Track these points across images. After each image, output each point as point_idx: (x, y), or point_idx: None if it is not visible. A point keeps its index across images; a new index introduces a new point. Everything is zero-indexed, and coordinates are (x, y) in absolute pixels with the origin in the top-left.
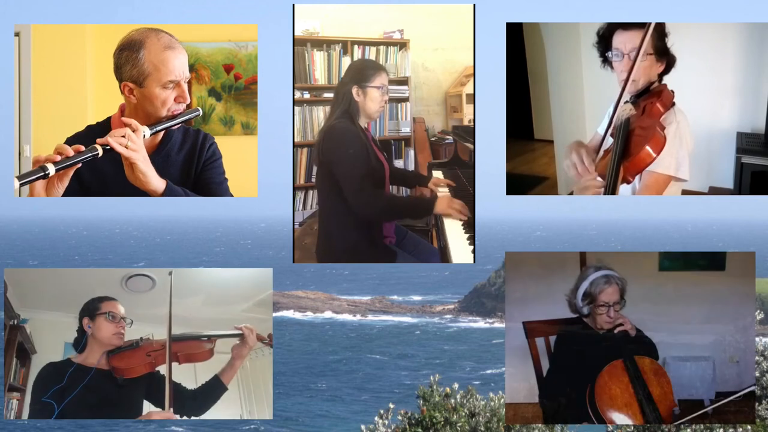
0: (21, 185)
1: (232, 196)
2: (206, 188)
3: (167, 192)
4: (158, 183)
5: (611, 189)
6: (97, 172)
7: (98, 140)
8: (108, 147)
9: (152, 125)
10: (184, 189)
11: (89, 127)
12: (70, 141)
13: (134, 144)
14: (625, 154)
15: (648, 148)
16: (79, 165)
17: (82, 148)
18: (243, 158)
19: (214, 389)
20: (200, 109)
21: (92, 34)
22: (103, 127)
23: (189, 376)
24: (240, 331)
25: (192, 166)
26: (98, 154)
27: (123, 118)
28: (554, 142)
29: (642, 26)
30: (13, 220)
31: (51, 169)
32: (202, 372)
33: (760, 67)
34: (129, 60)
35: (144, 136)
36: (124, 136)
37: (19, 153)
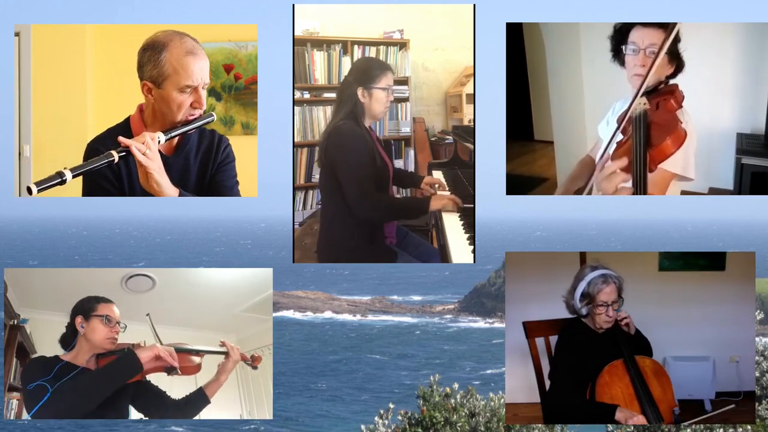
0: (39, 191)
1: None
2: (217, 191)
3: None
4: (171, 192)
5: (642, 179)
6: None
7: (121, 139)
8: (123, 153)
9: (167, 131)
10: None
11: (110, 129)
12: (93, 144)
13: (151, 152)
14: (647, 143)
15: (669, 141)
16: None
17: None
18: (243, 158)
19: (197, 401)
20: (214, 114)
21: (92, 34)
22: (123, 128)
23: (182, 385)
24: (224, 349)
25: (208, 168)
26: (114, 160)
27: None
28: (554, 143)
29: (661, 26)
30: (13, 220)
31: (68, 176)
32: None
33: (760, 68)
34: (151, 60)
35: (159, 141)
36: (143, 143)
37: (19, 153)
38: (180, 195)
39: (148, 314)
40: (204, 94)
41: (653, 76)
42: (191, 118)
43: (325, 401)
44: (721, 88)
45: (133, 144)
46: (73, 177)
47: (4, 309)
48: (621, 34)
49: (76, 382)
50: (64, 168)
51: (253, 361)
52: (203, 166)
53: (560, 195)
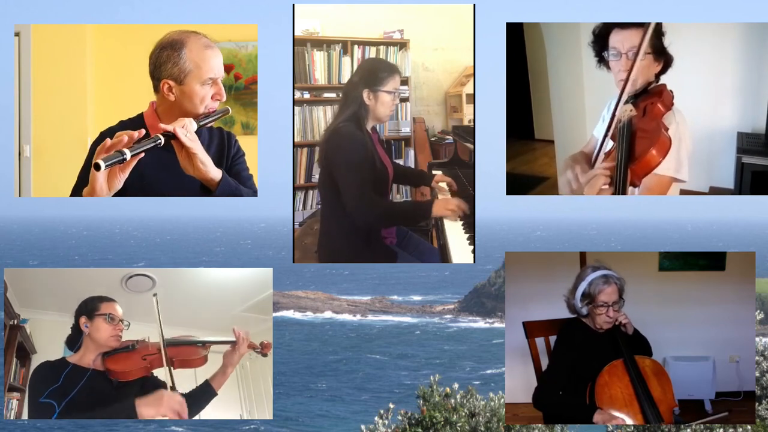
0: (106, 167)
1: (255, 191)
2: (237, 181)
3: (222, 181)
4: (216, 173)
5: (620, 192)
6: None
7: (162, 126)
8: (168, 136)
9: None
10: (235, 180)
11: (122, 122)
12: (106, 133)
13: (191, 135)
14: (630, 157)
15: (654, 151)
16: (143, 154)
17: (137, 134)
18: None
19: (204, 394)
20: (229, 108)
21: (92, 34)
22: (136, 122)
23: (182, 378)
24: (233, 338)
25: (222, 162)
26: (160, 142)
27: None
28: (555, 142)
29: (639, 25)
30: (13, 220)
31: (127, 154)
32: (196, 376)
33: (761, 67)
34: (170, 58)
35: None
36: (182, 127)
37: (19, 153)
38: (222, 176)
39: (155, 294)
40: (222, 86)
41: (640, 77)
42: (212, 110)
43: (325, 401)
44: (721, 87)
45: (176, 127)
46: (132, 156)
47: (4, 309)
48: (601, 39)
49: (82, 401)
50: (123, 148)
51: (263, 348)
52: (218, 161)
53: (560, 195)
